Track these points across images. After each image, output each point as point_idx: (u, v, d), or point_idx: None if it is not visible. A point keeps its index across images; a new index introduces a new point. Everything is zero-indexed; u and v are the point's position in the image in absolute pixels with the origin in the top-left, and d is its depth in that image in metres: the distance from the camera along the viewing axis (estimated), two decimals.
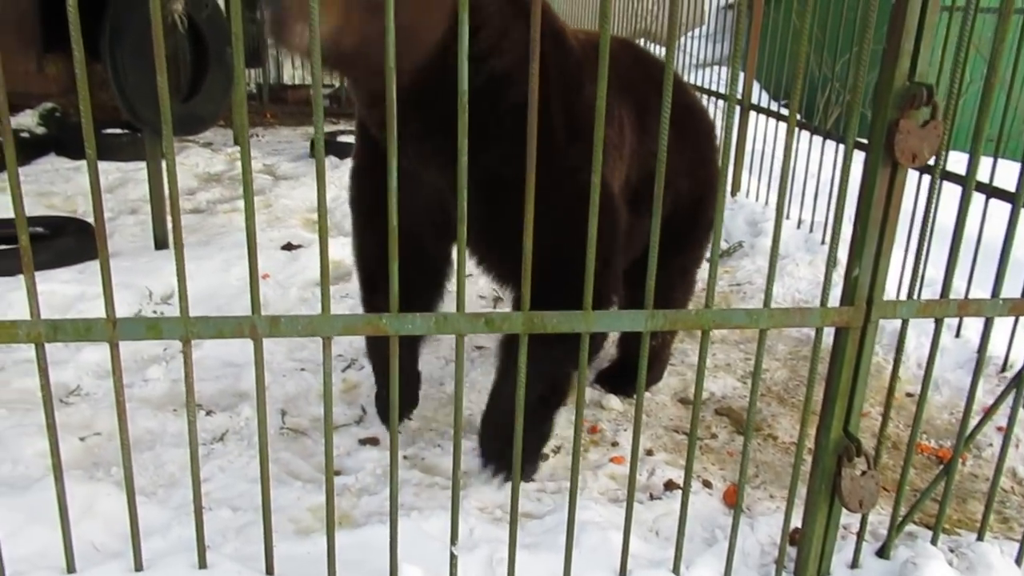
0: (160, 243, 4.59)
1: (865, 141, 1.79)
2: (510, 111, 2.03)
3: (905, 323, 1.92)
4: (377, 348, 2.71)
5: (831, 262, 1.85)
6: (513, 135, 1.87)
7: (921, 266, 1.93)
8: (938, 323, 1.93)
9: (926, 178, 3.79)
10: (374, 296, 2.66)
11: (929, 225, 1.91)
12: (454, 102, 1.49)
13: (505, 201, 1.96)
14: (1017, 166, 3.29)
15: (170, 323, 1.60)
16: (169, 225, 4.62)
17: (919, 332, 3.38)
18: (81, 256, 4.19)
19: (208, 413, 2.88)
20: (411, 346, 2.74)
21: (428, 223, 2.41)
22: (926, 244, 1.93)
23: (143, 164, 4.98)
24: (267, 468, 1.76)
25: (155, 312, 3.75)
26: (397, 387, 1.73)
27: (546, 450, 2.72)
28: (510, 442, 2.30)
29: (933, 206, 1.88)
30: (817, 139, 4.83)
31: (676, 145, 2.67)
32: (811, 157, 4.71)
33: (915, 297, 1.94)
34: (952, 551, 2.15)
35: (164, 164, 6.55)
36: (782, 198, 1.79)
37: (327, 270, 1.63)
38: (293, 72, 10.55)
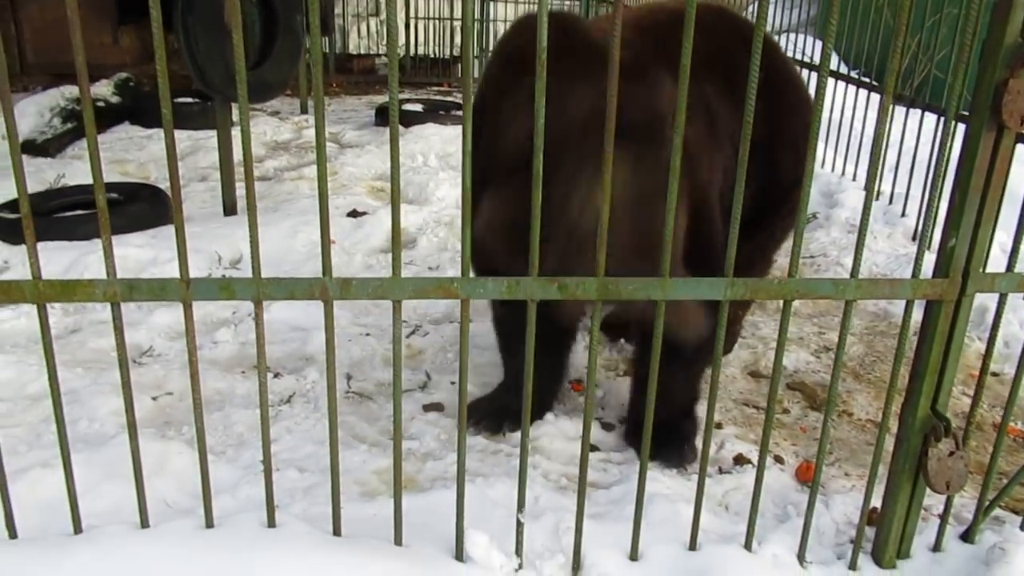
0: (229, 209, 4.66)
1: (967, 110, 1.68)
2: None
3: (1003, 297, 1.81)
4: (507, 330, 2.65)
5: (925, 231, 1.75)
6: None
7: (1019, 240, 1.81)
8: None
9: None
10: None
11: None
12: None
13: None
14: None
15: (242, 284, 1.60)
16: (240, 191, 4.70)
17: (1008, 308, 3.21)
18: (154, 221, 4.27)
19: (276, 376, 2.91)
20: (562, 343, 2.68)
21: None
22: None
23: (213, 132, 5.05)
24: (335, 431, 1.76)
25: (224, 276, 3.80)
26: (468, 350, 1.70)
27: (614, 420, 2.68)
28: (675, 431, 2.47)
29: None
30: (898, 109, 4.62)
31: (778, 119, 2.57)
32: (891, 127, 4.50)
33: (1014, 267, 1.83)
34: None
35: (237, 131, 6.63)
36: (873, 174, 1.69)
37: (399, 234, 1.60)
38: (359, 42, 10.57)
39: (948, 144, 1.67)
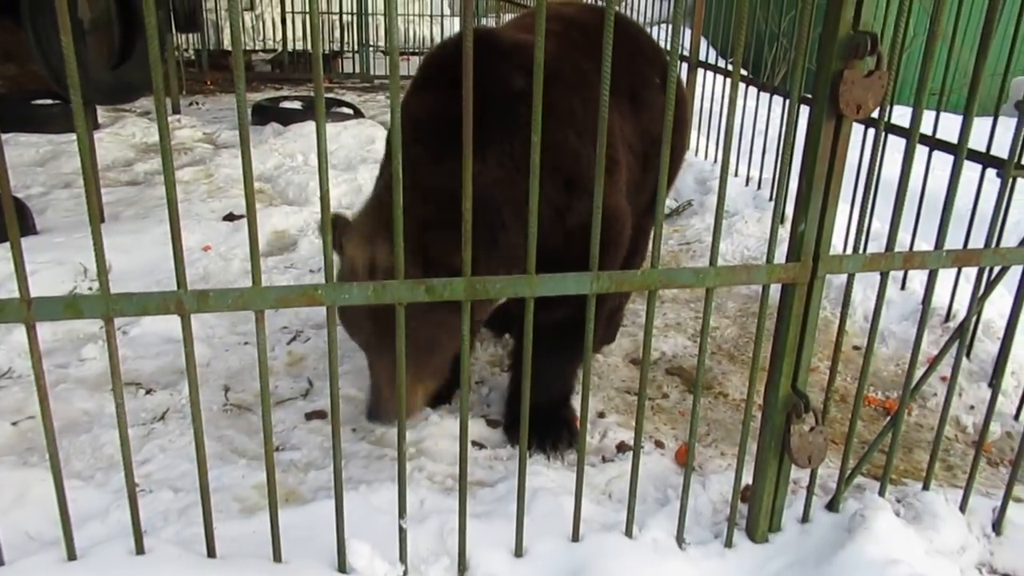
0: (87, 204, 4.42)
1: (811, 96, 1.76)
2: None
3: (851, 278, 1.91)
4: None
5: (776, 218, 1.82)
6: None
7: (866, 220, 1.92)
8: (884, 276, 1.92)
9: (870, 133, 3.80)
10: None
11: (874, 178, 1.89)
12: None
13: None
14: (958, 119, 3.32)
15: (90, 301, 1.52)
16: (107, 197, 4.46)
17: (865, 285, 3.41)
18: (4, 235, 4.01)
19: (148, 392, 2.78)
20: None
21: None
22: (871, 198, 1.92)
23: (75, 136, 4.78)
24: (203, 450, 1.69)
25: (90, 289, 3.60)
26: (337, 359, 1.67)
27: (499, 416, 2.69)
28: (561, 421, 2.53)
29: (878, 159, 1.86)
30: (764, 96, 4.82)
31: (656, 110, 2.66)
32: (759, 114, 4.70)
33: (860, 251, 1.94)
34: (899, 501, 2.18)
35: (103, 133, 6.27)
36: (727, 154, 1.75)
37: (256, 238, 1.55)
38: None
39: (793, 129, 1.74)
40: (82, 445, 2.48)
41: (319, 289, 1.59)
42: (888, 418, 2.85)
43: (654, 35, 6.43)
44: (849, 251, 3.65)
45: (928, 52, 1.75)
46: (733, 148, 4.97)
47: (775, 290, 1.86)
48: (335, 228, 2.05)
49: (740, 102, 4.80)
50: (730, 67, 5.34)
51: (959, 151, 1.90)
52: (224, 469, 2.32)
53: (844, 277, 2.76)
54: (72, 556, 1.72)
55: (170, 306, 1.54)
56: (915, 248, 3.48)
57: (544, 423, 2.43)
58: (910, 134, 1.84)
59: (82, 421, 2.62)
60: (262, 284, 1.57)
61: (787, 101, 4.46)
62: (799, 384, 1.93)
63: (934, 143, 3.23)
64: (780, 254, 1.85)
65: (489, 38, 2.27)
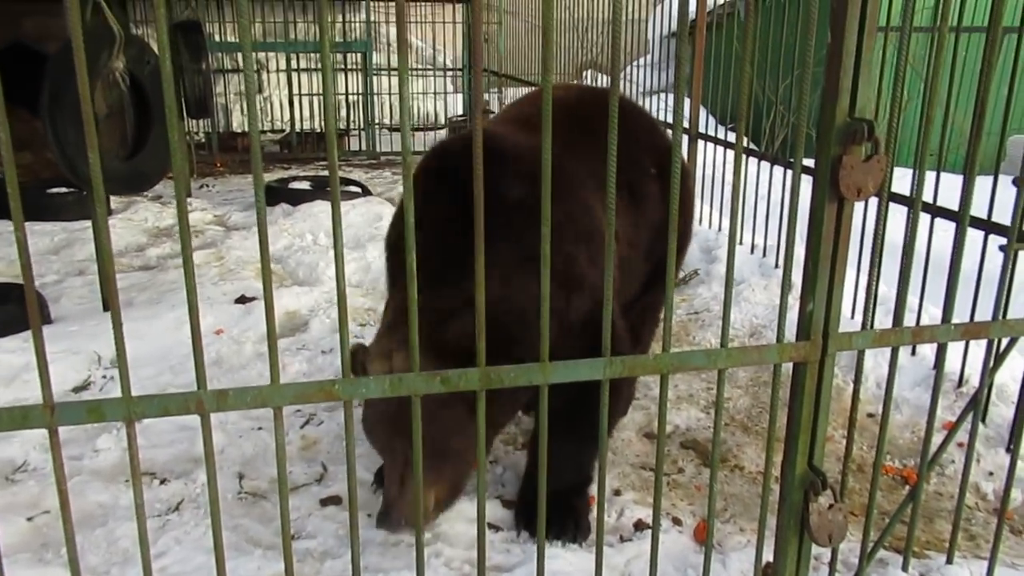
0: (107, 304, 4.47)
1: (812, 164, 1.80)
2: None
3: (862, 353, 1.93)
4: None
5: (785, 295, 1.85)
6: None
7: (874, 293, 1.94)
8: (894, 351, 1.94)
9: (873, 200, 3.85)
10: None
11: (879, 251, 1.92)
12: None
13: None
14: (958, 179, 3.37)
15: (112, 404, 1.54)
16: (121, 284, 4.51)
17: (876, 352, 3.41)
18: (27, 324, 4.05)
19: (162, 482, 2.78)
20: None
21: None
22: (877, 270, 1.95)
23: (89, 223, 4.88)
24: (221, 548, 1.69)
25: (104, 377, 3.64)
26: (354, 453, 1.68)
27: (515, 497, 2.67)
28: (569, 511, 2.49)
29: (881, 232, 1.90)
30: (765, 164, 4.91)
31: (658, 199, 2.70)
32: (760, 181, 4.78)
33: (870, 322, 1.95)
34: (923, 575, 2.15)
35: (115, 219, 6.38)
36: (734, 224, 1.79)
37: (274, 334, 1.58)
38: (242, 119, 10.49)
39: (795, 207, 1.77)
40: (97, 539, 2.47)
41: (336, 384, 1.61)
42: (906, 487, 2.83)
43: (650, 106, 6.55)
44: (858, 317, 3.66)
45: (926, 126, 1.79)
46: (740, 218, 5.05)
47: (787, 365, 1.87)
48: (355, 357, 2.11)
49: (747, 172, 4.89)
50: (731, 136, 5.45)
51: (961, 219, 1.94)
52: (239, 560, 2.30)
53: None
54: None
55: (190, 406, 1.56)
56: (923, 312, 3.49)
57: (555, 514, 2.35)
58: (913, 209, 1.88)
59: (97, 514, 2.61)
60: (280, 380, 1.59)
61: (787, 169, 4.54)
62: (815, 461, 1.93)
63: (935, 210, 3.28)
64: (790, 325, 1.86)
65: (485, 144, 2.30)
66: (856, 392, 1.99)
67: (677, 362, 1.77)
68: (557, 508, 2.43)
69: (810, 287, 1.82)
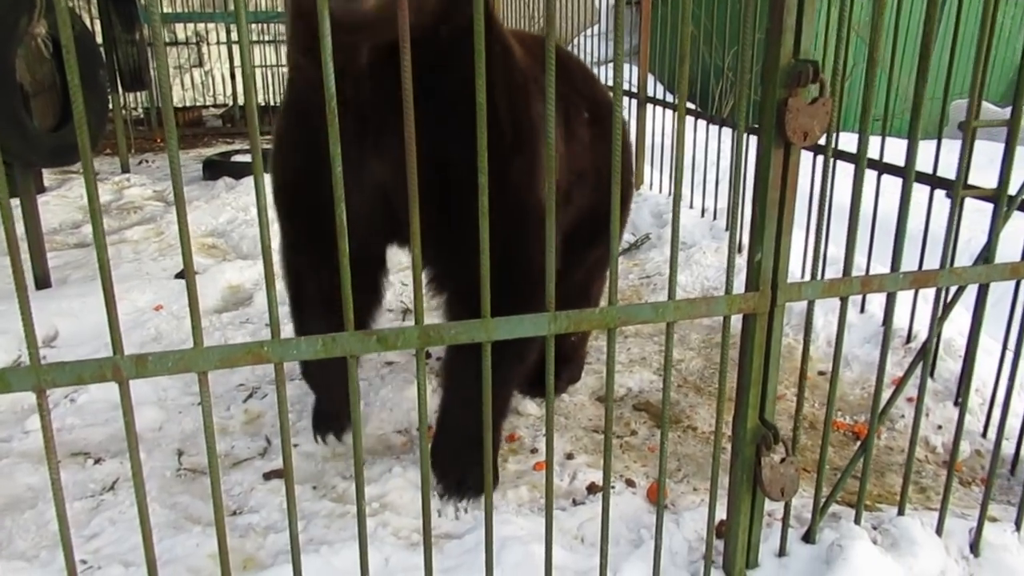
0: (41, 282, 4.30)
1: (758, 125, 1.75)
2: (467, 109, 1.98)
3: (811, 304, 1.89)
4: (313, 366, 2.63)
5: (732, 248, 1.80)
6: (464, 128, 1.84)
7: (822, 246, 1.90)
8: (843, 302, 1.91)
9: (820, 159, 3.84)
10: (301, 301, 2.53)
11: (826, 204, 1.88)
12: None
13: (449, 192, 2.02)
14: (903, 144, 3.36)
15: (19, 374, 1.43)
16: (52, 262, 4.34)
17: (826, 310, 3.42)
18: None
19: (96, 461, 2.66)
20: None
21: (366, 221, 2.24)
22: (825, 223, 1.91)
23: (17, 201, 4.66)
24: (147, 522, 1.60)
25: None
26: (288, 418, 1.60)
27: None
28: (468, 463, 2.34)
29: (829, 185, 1.86)
30: (714, 128, 4.87)
31: (599, 143, 2.65)
32: (709, 146, 4.75)
33: (819, 277, 1.92)
34: (875, 528, 2.14)
35: (46, 197, 6.14)
36: (678, 186, 1.73)
37: (195, 296, 1.48)
38: (183, 94, 10.17)
39: (743, 159, 1.73)
40: (26, 523, 2.35)
41: (265, 346, 1.52)
42: (858, 443, 2.84)
43: (603, 75, 6.50)
44: (807, 278, 3.66)
45: (869, 79, 1.75)
46: (687, 181, 5.02)
47: (737, 320, 1.83)
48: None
49: (691, 135, 4.86)
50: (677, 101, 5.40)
51: (907, 172, 1.91)
52: (177, 539, 2.21)
53: (804, 304, 2.75)
54: None
55: (106, 373, 1.46)
56: (872, 271, 3.50)
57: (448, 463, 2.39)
58: (858, 158, 1.84)
59: (26, 497, 2.49)
60: (204, 344, 1.49)
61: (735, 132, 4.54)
62: (767, 415, 1.90)
63: (882, 167, 3.27)
64: (739, 283, 1.82)
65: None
66: (806, 345, 1.96)
67: (624, 316, 1.72)
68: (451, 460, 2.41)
69: (758, 237, 1.78)
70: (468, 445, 2.29)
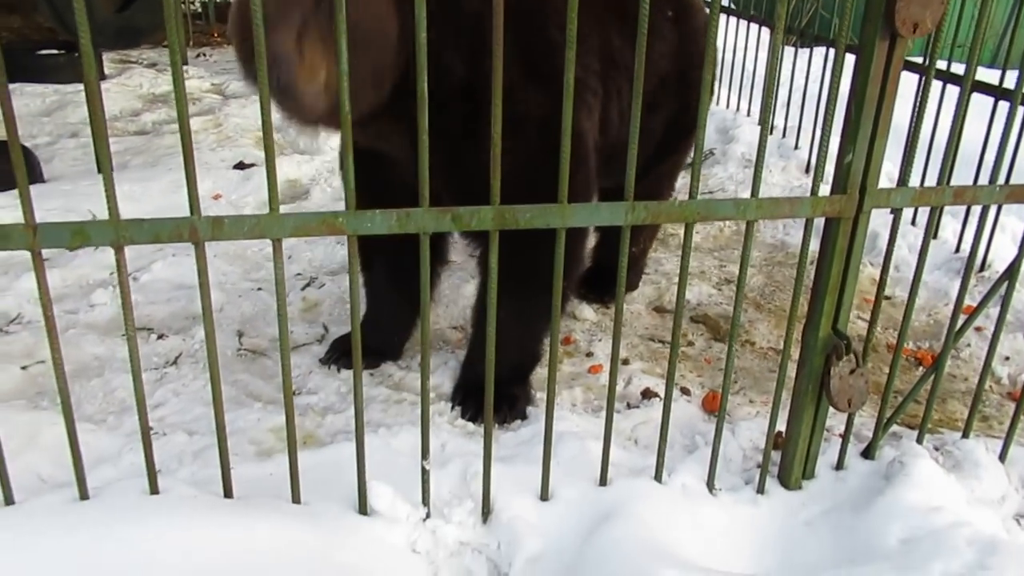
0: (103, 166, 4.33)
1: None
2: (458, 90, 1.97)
3: (898, 213, 1.81)
4: (368, 268, 2.51)
5: (823, 149, 1.71)
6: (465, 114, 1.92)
7: (911, 157, 1.81)
8: (933, 212, 1.83)
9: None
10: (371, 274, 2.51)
11: (924, 100, 1.77)
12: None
13: (466, 150, 1.93)
14: (994, 73, 3.19)
15: (99, 227, 1.43)
16: (115, 147, 4.36)
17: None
18: (14, 181, 3.92)
19: (160, 337, 2.72)
20: (407, 282, 2.49)
21: (409, 198, 2.16)
22: (917, 137, 1.81)
23: (82, 86, 4.68)
24: (218, 384, 1.62)
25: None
26: (357, 288, 1.59)
27: None
28: (503, 396, 2.15)
29: (929, 78, 1.75)
30: (788, 46, 4.66)
31: (671, 47, 2.51)
32: (782, 63, 4.54)
33: (906, 180, 1.83)
34: (937, 449, 2.10)
35: (110, 83, 6.16)
36: (766, 107, 1.65)
37: (272, 160, 1.46)
38: None
39: (838, 78, 1.63)
40: (93, 389, 2.42)
41: (340, 217, 1.50)
42: (920, 368, 2.77)
43: None
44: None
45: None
46: (756, 97, 4.84)
47: (798, 239, 1.76)
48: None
49: (756, 50, 4.65)
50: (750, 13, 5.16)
51: (1016, 96, 1.79)
52: (239, 412, 2.26)
53: (875, 223, 2.65)
54: (84, 496, 1.66)
55: (183, 233, 1.46)
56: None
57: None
58: (965, 79, 1.73)
59: (93, 366, 2.56)
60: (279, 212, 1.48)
61: (812, 49, 4.32)
62: (840, 325, 1.84)
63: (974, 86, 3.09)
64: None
65: None
66: (888, 259, 1.89)
67: (704, 210, 1.66)
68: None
69: (851, 137, 1.69)
70: (506, 380, 2.18)
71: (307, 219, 1.51)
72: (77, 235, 1.43)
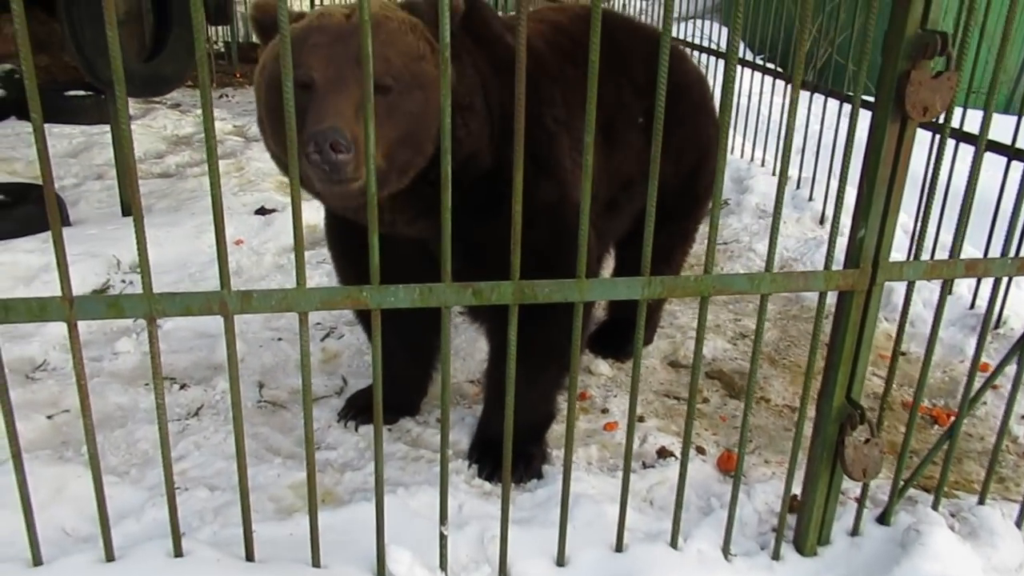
0: (128, 209, 4.42)
1: (852, 95, 1.69)
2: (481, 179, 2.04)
3: (911, 285, 1.84)
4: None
5: (836, 223, 1.76)
6: (486, 197, 2.01)
7: (924, 226, 1.84)
8: (945, 284, 1.85)
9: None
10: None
11: (938, 184, 1.81)
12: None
13: (486, 244, 1.95)
14: (1006, 118, 3.21)
15: (132, 301, 1.48)
16: (141, 189, 4.44)
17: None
18: (46, 224, 3.91)
19: (182, 387, 2.76)
20: (423, 341, 2.56)
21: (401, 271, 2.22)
22: (930, 205, 1.84)
23: (107, 127, 4.79)
24: (243, 455, 1.66)
25: (124, 282, 3.60)
26: (380, 361, 1.63)
27: None
28: (519, 456, 2.17)
29: (941, 164, 1.79)
30: (802, 94, 4.71)
31: (672, 121, 2.55)
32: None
33: (917, 258, 1.86)
34: (953, 516, 2.11)
35: (135, 125, 6.29)
36: (785, 165, 1.69)
37: (301, 238, 1.51)
38: None
39: (853, 133, 1.67)
40: (116, 440, 2.47)
41: (364, 291, 1.55)
42: (936, 427, 2.78)
43: (683, 31, 6.29)
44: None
45: (1001, 51, 1.67)
46: (769, 147, 4.89)
47: (814, 295, 1.79)
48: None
49: (771, 98, 4.71)
50: (758, 61, 5.23)
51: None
52: (259, 468, 2.29)
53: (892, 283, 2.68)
54: (111, 557, 1.70)
55: (213, 307, 1.50)
56: (965, 253, 3.38)
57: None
58: (979, 139, 1.76)
59: (116, 416, 2.60)
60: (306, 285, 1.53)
61: (827, 99, 4.37)
62: (854, 394, 1.87)
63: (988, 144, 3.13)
64: (821, 257, 1.78)
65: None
66: (902, 327, 1.92)
67: (719, 284, 1.70)
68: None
69: (863, 212, 1.73)
70: (522, 440, 2.19)
71: (333, 293, 1.56)
72: (112, 308, 1.48)
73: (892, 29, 1.61)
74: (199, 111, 7.06)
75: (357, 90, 1.66)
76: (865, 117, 1.71)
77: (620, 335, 3.03)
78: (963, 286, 3.41)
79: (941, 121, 1.74)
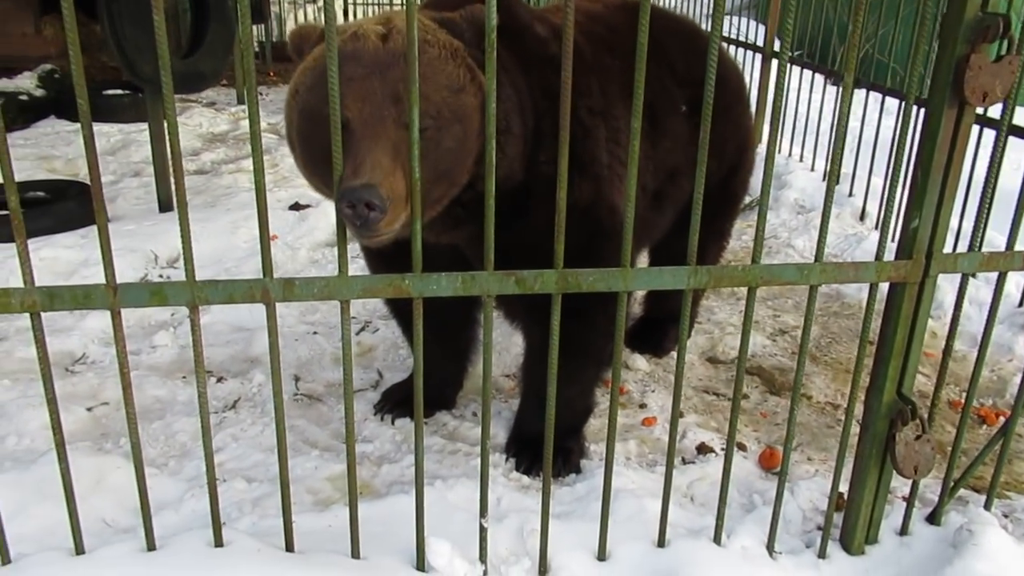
0: (164, 205, 4.46)
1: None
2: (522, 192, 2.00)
3: (966, 277, 1.78)
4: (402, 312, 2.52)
5: (888, 213, 1.71)
6: (512, 203, 1.95)
7: (983, 218, 1.79)
8: (1001, 277, 1.79)
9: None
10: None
11: (998, 165, 1.75)
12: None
13: (511, 251, 1.85)
14: None
15: (175, 288, 1.48)
16: (173, 187, 4.48)
17: (956, 287, 3.24)
18: (84, 220, 4.05)
19: (219, 380, 2.77)
20: (458, 335, 2.57)
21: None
22: (993, 187, 1.79)
23: (145, 125, 4.84)
24: (284, 442, 1.65)
25: (161, 276, 3.63)
26: (421, 350, 1.62)
27: None
28: (557, 451, 2.15)
29: (1002, 143, 1.73)
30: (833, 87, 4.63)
31: (716, 110, 2.50)
32: (835, 106, 4.52)
33: (977, 245, 1.81)
34: (1006, 516, 2.05)
35: (174, 115, 6.29)
36: (835, 166, 1.66)
37: (344, 226, 1.50)
38: None
39: (908, 130, 1.63)
40: (155, 432, 2.48)
41: (406, 279, 1.53)
42: (984, 426, 2.70)
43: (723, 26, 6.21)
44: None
45: None
46: (808, 142, 4.81)
47: (855, 291, 1.75)
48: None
49: (809, 94, 4.63)
50: (802, 58, 5.15)
51: None
52: (297, 460, 2.29)
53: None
54: (151, 547, 1.70)
55: (256, 294, 1.50)
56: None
57: (537, 450, 2.12)
58: None
59: (155, 408, 2.62)
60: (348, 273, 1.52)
61: (868, 92, 4.28)
62: (905, 390, 1.81)
63: None
64: (861, 252, 1.74)
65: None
66: (955, 322, 1.86)
67: (767, 275, 1.66)
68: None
69: (917, 202, 1.68)
70: (560, 434, 2.11)
71: (374, 281, 1.54)
72: (155, 296, 1.48)
73: (951, 11, 1.55)
74: (233, 109, 7.14)
75: (395, 131, 1.62)
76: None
77: (656, 332, 3.00)
78: (1011, 283, 3.32)
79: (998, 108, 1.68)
